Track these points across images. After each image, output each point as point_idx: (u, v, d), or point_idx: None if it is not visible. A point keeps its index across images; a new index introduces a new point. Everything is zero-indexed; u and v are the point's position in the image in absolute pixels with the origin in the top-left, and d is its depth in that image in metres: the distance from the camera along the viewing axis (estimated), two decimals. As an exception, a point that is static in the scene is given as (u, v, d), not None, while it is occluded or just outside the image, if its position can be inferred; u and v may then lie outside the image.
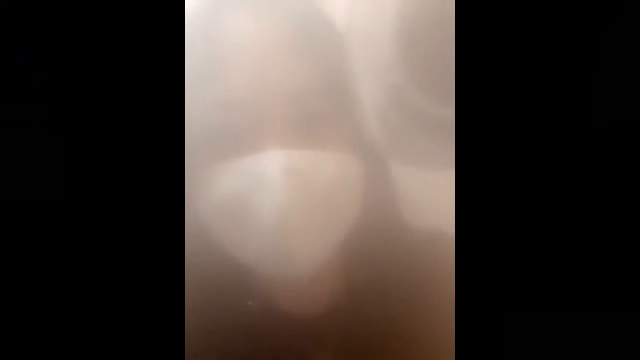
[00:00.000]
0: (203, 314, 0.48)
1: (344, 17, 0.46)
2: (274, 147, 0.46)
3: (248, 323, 0.50)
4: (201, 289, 0.48)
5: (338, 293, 0.53)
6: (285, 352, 0.50)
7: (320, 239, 0.48)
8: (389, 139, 0.42)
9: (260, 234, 0.46)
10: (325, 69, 0.48)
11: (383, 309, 0.51)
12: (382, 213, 0.52)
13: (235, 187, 0.47)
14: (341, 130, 0.49)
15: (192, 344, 0.42)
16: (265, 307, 0.51)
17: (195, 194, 0.48)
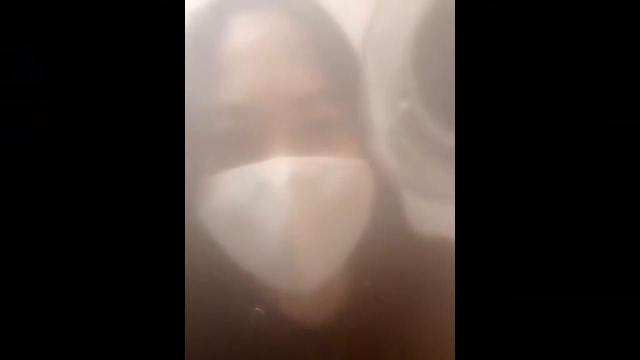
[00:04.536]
0: (205, 324, 0.48)
1: (353, 21, 0.46)
2: (280, 154, 0.45)
3: (253, 334, 0.50)
4: (203, 300, 0.47)
5: (344, 304, 0.52)
6: None
7: (329, 250, 0.46)
8: (397, 153, 0.42)
9: (266, 245, 0.45)
10: (334, 73, 0.47)
11: (388, 319, 0.51)
12: (390, 221, 0.52)
13: (240, 196, 0.46)
14: (350, 136, 0.47)
15: (193, 352, 0.42)
16: (271, 318, 0.50)
17: (198, 201, 0.47)
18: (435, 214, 0.50)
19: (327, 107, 0.47)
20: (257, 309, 0.50)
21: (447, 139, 0.39)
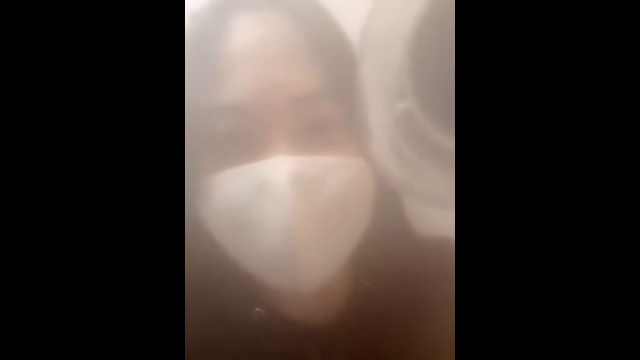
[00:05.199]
0: (205, 324, 0.48)
1: (354, 21, 0.46)
2: (280, 153, 0.45)
3: (253, 334, 0.49)
4: (203, 300, 0.47)
5: (345, 304, 0.52)
6: None
7: (329, 250, 0.46)
8: (394, 154, 0.42)
9: (267, 245, 0.45)
10: (334, 72, 0.47)
11: (388, 319, 0.51)
12: (390, 221, 0.52)
13: (240, 195, 0.45)
14: (351, 135, 0.47)
15: (193, 352, 0.42)
16: (271, 318, 0.50)
17: (198, 201, 0.47)
18: (435, 214, 0.50)
19: (328, 106, 0.47)
20: (257, 309, 0.50)
21: (445, 139, 0.39)
